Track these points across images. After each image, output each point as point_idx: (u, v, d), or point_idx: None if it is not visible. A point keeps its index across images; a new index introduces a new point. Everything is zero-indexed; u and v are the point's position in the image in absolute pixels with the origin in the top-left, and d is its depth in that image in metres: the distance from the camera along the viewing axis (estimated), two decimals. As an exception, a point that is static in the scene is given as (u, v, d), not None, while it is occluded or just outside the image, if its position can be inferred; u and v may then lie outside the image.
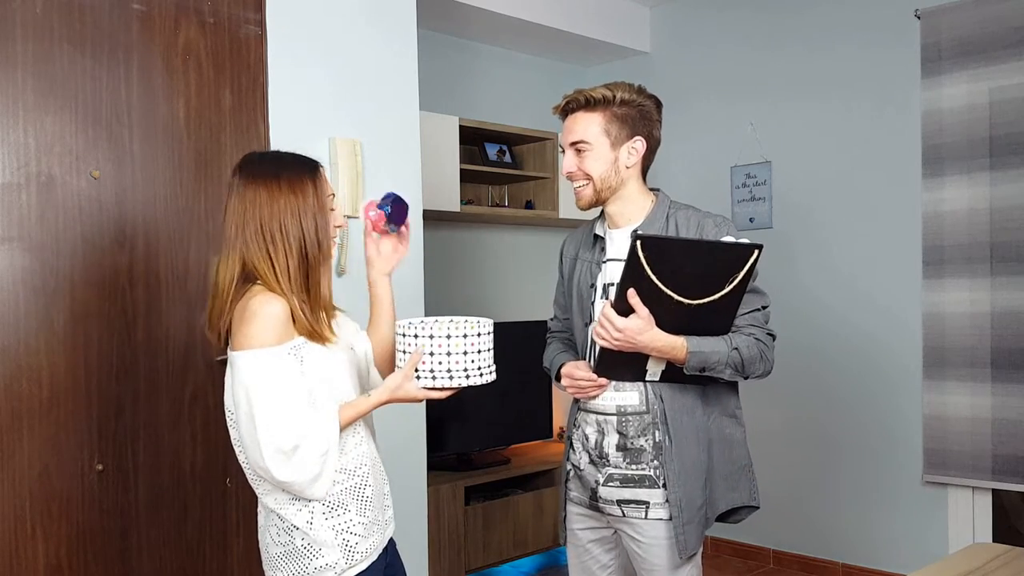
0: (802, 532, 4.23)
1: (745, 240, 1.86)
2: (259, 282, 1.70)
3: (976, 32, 3.62)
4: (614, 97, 1.95)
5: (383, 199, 1.90)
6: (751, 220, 4.41)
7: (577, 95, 1.97)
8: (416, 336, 1.72)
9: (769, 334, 1.97)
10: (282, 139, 2.83)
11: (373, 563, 1.79)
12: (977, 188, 3.63)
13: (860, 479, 4.04)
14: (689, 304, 1.82)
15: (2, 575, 2.27)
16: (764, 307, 1.98)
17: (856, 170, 4.06)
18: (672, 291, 1.80)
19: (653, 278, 1.77)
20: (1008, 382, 3.55)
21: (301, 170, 1.74)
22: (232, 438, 1.78)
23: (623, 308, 1.81)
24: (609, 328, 1.82)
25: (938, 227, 3.74)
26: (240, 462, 1.77)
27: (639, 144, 1.97)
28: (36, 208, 2.37)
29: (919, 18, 3.79)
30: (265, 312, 1.64)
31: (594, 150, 1.96)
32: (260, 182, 1.71)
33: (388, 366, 1.95)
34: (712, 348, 1.87)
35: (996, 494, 3.71)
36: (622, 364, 1.92)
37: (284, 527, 1.73)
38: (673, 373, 1.92)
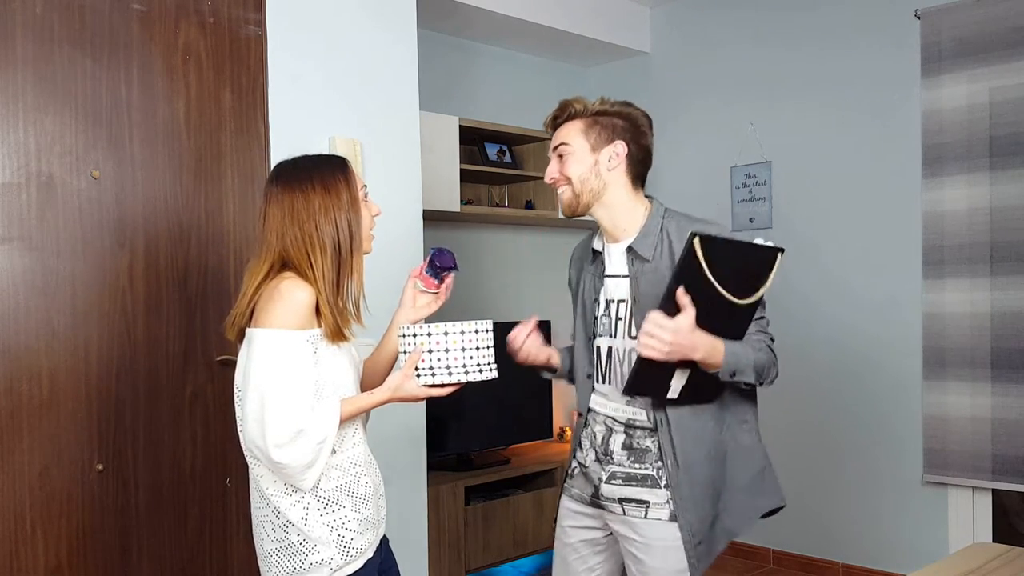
0: (802, 532, 4.23)
1: (771, 243, 1.85)
2: (290, 271, 1.75)
3: (976, 32, 3.62)
4: (595, 106, 1.99)
5: (432, 259, 1.98)
6: (751, 220, 4.41)
7: (560, 109, 2.01)
8: (415, 336, 1.76)
9: (772, 340, 1.98)
10: (282, 139, 2.83)
11: (369, 560, 1.80)
12: (977, 188, 3.63)
13: (860, 479, 4.04)
14: (738, 304, 1.81)
15: (2, 575, 2.27)
16: (764, 315, 1.99)
17: (856, 170, 4.06)
18: (725, 290, 1.78)
19: (711, 278, 1.75)
20: (1008, 382, 3.55)
21: (333, 169, 1.81)
22: (237, 416, 1.79)
23: (671, 312, 1.76)
24: (660, 333, 1.74)
25: (938, 227, 3.74)
26: (240, 441, 1.78)
27: (620, 148, 1.97)
28: (36, 208, 2.37)
29: (919, 18, 3.79)
30: (293, 297, 1.69)
31: (574, 153, 1.98)
32: (296, 187, 1.77)
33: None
34: (742, 351, 1.87)
35: (996, 494, 3.71)
36: (655, 378, 1.87)
37: (279, 523, 1.75)
38: (692, 391, 1.90)
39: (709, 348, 1.81)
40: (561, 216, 4.41)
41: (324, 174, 1.79)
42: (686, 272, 1.75)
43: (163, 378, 2.58)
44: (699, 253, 1.73)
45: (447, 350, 1.75)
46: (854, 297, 4.06)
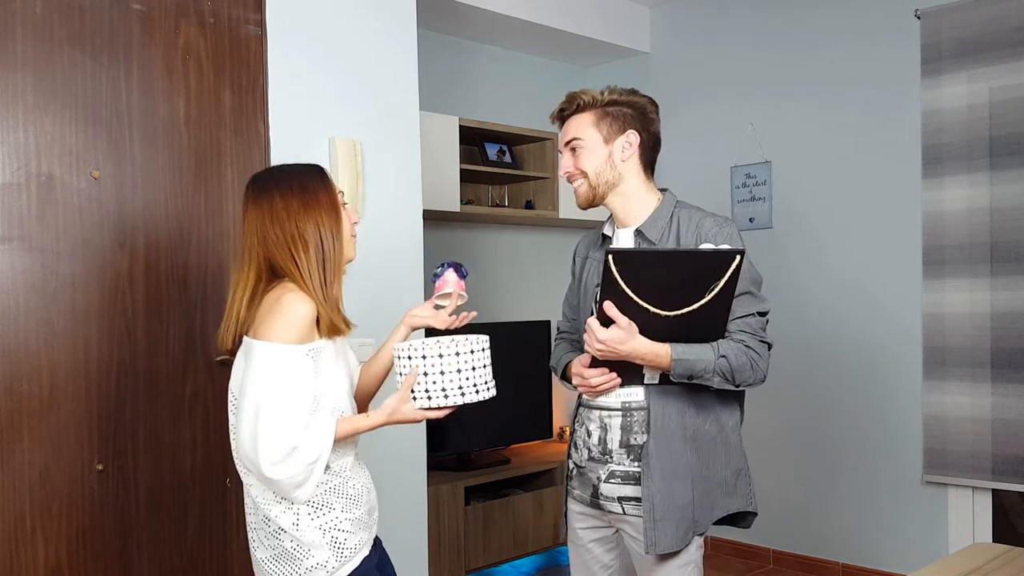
0: (802, 532, 4.23)
1: (726, 246, 1.86)
2: (286, 279, 1.75)
3: (976, 32, 3.62)
4: (603, 98, 2.01)
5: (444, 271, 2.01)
6: (751, 220, 4.41)
7: (569, 100, 2.03)
8: (410, 358, 1.75)
9: (763, 342, 1.94)
10: (282, 139, 2.83)
11: (365, 558, 1.80)
12: (977, 188, 3.63)
13: (860, 479, 4.04)
14: (667, 316, 1.82)
15: (2, 575, 2.27)
16: (761, 314, 1.96)
17: (856, 170, 4.06)
18: (648, 304, 1.81)
19: (628, 292, 1.79)
20: (1008, 382, 3.55)
21: (310, 175, 1.81)
22: (230, 423, 1.79)
23: (605, 319, 1.83)
24: (591, 339, 1.85)
25: (938, 227, 3.74)
26: (232, 449, 1.79)
27: (633, 137, 2.00)
28: (36, 208, 2.37)
29: (919, 18, 3.79)
30: (295, 311, 1.69)
31: (587, 146, 2.01)
32: (274, 189, 1.77)
33: (363, 403, 2.03)
34: (698, 356, 1.87)
35: (996, 494, 3.71)
36: (615, 369, 1.93)
37: (271, 530, 1.75)
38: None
39: (650, 356, 1.86)
40: (561, 216, 4.46)
41: (303, 178, 1.79)
42: (608, 287, 1.80)
43: (163, 378, 2.58)
44: (613, 268, 1.76)
45: (442, 372, 1.73)
46: (854, 297, 4.06)
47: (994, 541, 3.65)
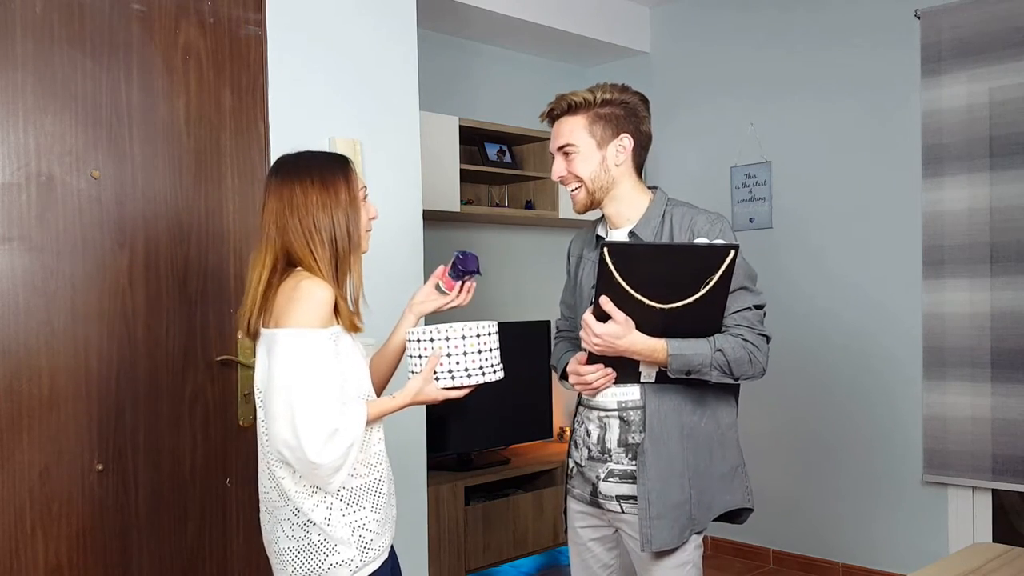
0: (802, 532, 4.24)
1: (720, 241, 1.86)
2: (300, 268, 1.77)
3: (976, 32, 3.63)
4: (595, 98, 1.98)
5: (456, 262, 2.01)
6: (751, 220, 4.40)
7: (559, 101, 2.00)
8: (432, 340, 1.80)
9: (761, 335, 1.95)
10: (282, 139, 2.82)
11: (385, 561, 1.81)
12: (977, 188, 3.63)
13: (860, 479, 4.04)
14: (661, 309, 1.83)
15: (2, 575, 2.27)
16: (757, 307, 1.96)
17: (856, 170, 4.06)
18: (644, 296, 1.81)
19: (623, 284, 1.80)
20: (1008, 382, 3.55)
21: (333, 167, 1.82)
22: (259, 418, 1.80)
23: (602, 314, 1.84)
24: (588, 334, 1.86)
25: (938, 227, 3.75)
26: (261, 443, 1.79)
27: (626, 141, 1.99)
28: (36, 208, 2.37)
29: (919, 18, 3.79)
30: (316, 296, 1.71)
31: (581, 152, 1.98)
32: (295, 180, 1.79)
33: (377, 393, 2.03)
34: (694, 351, 1.87)
35: (996, 494, 3.71)
36: (612, 366, 1.94)
37: (299, 522, 1.75)
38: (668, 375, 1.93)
39: (647, 351, 1.87)
40: (560, 216, 4.46)
41: (324, 170, 1.80)
42: (604, 280, 1.81)
43: (163, 378, 2.57)
44: (608, 262, 1.77)
45: (465, 353, 1.80)
46: (854, 297, 4.06)
47: (994, 541, 3.65)
